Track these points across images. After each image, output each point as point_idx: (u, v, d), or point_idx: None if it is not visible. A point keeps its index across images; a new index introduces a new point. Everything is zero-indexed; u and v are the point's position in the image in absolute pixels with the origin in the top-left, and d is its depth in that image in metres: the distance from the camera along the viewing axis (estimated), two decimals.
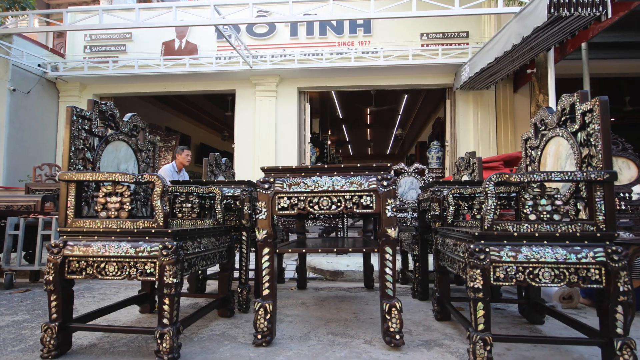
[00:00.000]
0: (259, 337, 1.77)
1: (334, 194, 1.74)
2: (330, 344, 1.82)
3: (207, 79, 7.57)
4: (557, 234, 1.54)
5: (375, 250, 1.83)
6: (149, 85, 7.84)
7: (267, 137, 7.42)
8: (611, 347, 1.47)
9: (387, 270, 1.75)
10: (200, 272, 2.70)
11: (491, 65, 5.65)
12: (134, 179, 1.70)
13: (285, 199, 1.76)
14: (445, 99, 7.51)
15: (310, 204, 1.74)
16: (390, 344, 1.73)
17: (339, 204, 1.74)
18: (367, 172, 1.78)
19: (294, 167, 1.78)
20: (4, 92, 6.75)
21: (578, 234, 1.53)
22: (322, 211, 1.73)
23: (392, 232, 1.72)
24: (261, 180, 1.77)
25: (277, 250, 1.85)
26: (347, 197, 1.75)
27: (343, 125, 14.98)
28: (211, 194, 2.31)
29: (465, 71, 6.37)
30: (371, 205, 1.74)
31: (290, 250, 1.93)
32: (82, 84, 7.92)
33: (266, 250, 1.75)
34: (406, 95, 10.85)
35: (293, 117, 7.51)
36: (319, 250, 1.95)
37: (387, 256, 1.74)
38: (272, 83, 7.44)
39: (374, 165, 1.79)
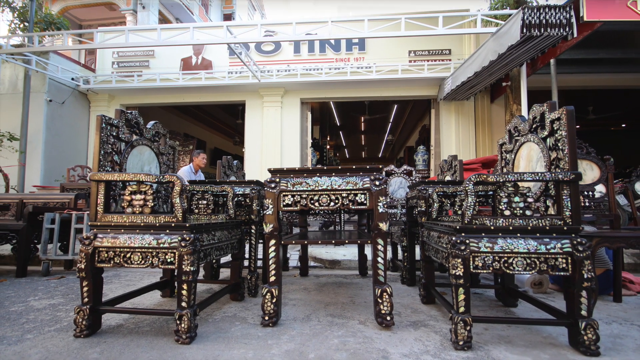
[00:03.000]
0: (266, 318, 1.76)
1: (332, 192, 1.74)
2: (329, 325, 1.82)
3: (220, 91, 7.58)
4: (529, 228, 1.54)
5: (369, 242, 1.82)
6: (169, 97, 7.85)
7: (274, 142, 7.43)
8: (576, 327, 1.47)
9: (379, 259, 1.75)
10: (214, 261, 2.70)
11: (471, 79, 5.65)
12: (157, 179, 1.70)
13: (289, 196, 1.76)
14: (430, 109, 7.49)
15: (312, 201, 1.74)
16: (382, 325, 1.73)
17: (336, 201, 1.74)
18: (361, 173, 1.78)
19: (297, 168, 1.76)
20: (42, 102, 6.75)
21: (547, 228, 1.54)
22: (322, 207, 1.73)
23: (384, 226, 1.71)
24: (268, 180, 1.77)
25: (282, 242, 1.84)
26: (344, 195, 1.75)
27: (340, 132, 14.98)
28: (224, 192, 2.31)
29: (448, 84, 6.36)
30: (365, 202, 1.74)
31: (293, 242, 1.92)
32: (110, 95, 7.91)
33: (272, 241, 1.75)
34: (396, 105, 10.84)
35: (296, 124, 7.51)
36: (319, 242, 1.94)
37: (379, 247, 1.74)
38: (278, 94, 7.44)
39: (368, 167, 1.78)
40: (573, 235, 1.51)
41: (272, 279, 1.77)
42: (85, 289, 1.65)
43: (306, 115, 7.59)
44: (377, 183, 1.68)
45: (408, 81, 6.98)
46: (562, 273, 1.48)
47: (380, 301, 1.71)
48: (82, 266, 1.63)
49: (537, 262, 1.51)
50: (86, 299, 1.64)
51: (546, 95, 5.36)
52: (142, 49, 7.77)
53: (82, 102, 7.83)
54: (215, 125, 13.20)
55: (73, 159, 7.30)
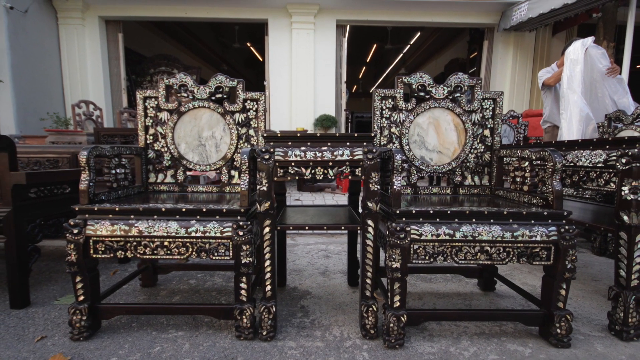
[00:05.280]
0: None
1: (330, 162, 1.32)
2: None
3: (236, 3, 5.94)
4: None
5: (358, 228, 1.44)
6: (165, 9, 6.14)
7: (305, 77, 6.19)
8: (550, 318, 1.33)
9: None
10: None
11: (555, 10, 4.66)
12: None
13: (283, 168, 1.34)
14: (483, 40, 6.45)
15: (307, 171, 1.33)
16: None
17: (335, 169, 1.35)
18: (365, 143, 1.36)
19: (298, 134, 1.34)
20: (1, 10, 4.87)
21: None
22: (317, 177, 1.35)
23: (373, 206, 1.30)
24: (262, 149, 1.32)
25: (278, 227, 1.35)
26: (343, 167, 1.35)
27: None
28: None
29: (521, 11, 5.32)
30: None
31: (291, 228, 1.44)
32: (84, 3, 6.08)
33: (267, 222, 1.31)
34: (419, 33, 9.50)
35: (331, 53, 6.26)
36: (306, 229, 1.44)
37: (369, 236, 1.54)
38: (310, 13, 6.02)
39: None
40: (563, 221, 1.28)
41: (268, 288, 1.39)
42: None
43: (341, 42, 6.31)
44: (370, 156, 1.29)
45: (466, 5, 5.78)
46: (544, 263, 1.31)
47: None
48: None
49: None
50: (82, 297, 1.34)
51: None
52: None
53: (48, 13, 6.00)
54: (202, 51, 11.13)
55: (47, 90, 5.74)
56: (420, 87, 1.65)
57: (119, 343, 1.32)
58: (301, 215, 1.61)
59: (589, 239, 2.72)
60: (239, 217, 1.30)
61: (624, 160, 1.30)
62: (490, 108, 1.66)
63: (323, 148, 1.31)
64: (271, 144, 1.34)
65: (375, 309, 1.36)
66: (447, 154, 1.68)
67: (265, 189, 1.30)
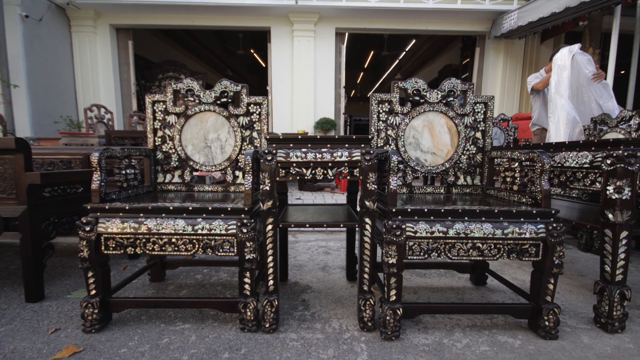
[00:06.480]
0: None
1: (330, 163, 1.32)
2: None
3: (240, 12, 5.97)
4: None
5: (357, 225, 1.44)
6: (173, 17, 6.12)
7: (306, 81, 6.18)
8: (538, 311, 1.34)
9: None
10: None
11: (543, 18, 4.66)
12: None
13: (285, 168, 1.34)
14: (475, 47, 6.45)
15: (307, 172, 1.33)
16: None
17: (334, 170, 1.34)
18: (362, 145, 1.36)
19: (299, 136, 1.36)
20: (16, 18, 4.88)
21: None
22: (317, 177, 1.35)
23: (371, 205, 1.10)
24: (264, 150, 1.33)
25: (280, 225, 1.30)
26: (342, 168, 1.34)
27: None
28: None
29: (511, 20, 5.31)
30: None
31: (292, 225, 1.45)
32: (96, 11, 6.05)
33: (270, 219, 1.32)
34: (414, 40, 9.49)
35: (330, 59, 6.25)
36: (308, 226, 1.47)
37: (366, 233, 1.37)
38: (311, 22, 6.01)
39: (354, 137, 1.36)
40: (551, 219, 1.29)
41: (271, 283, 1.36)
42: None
43: (340, 49, 6.30)
44: (368, 157, 1.29)
45: (459, 13, 5.77)
46: (533, 259, 1.31)
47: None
48: None
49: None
50: (94, 291, 1.34)
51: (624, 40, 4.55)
52: None
53: (62, 21, 5.97)
54: (208, 57, 11.11)
55: (61, 94, 5.73)
56: (415, 92, 1.65)
57: (129, 335, 1.32)
58: (302, 213, 1.61)
59: (575, 236, 2.72)
60: (243, 216, 1.30)
61: (609, 161, 1.30)
62: (482, 112, 1.67)
63: (323, 150, 1.31)
64: (273, 145, 1.34)
65: (372, 303, 1.36)
66: (441, 155, 1.68)
67: (268, 188, 1.30)
